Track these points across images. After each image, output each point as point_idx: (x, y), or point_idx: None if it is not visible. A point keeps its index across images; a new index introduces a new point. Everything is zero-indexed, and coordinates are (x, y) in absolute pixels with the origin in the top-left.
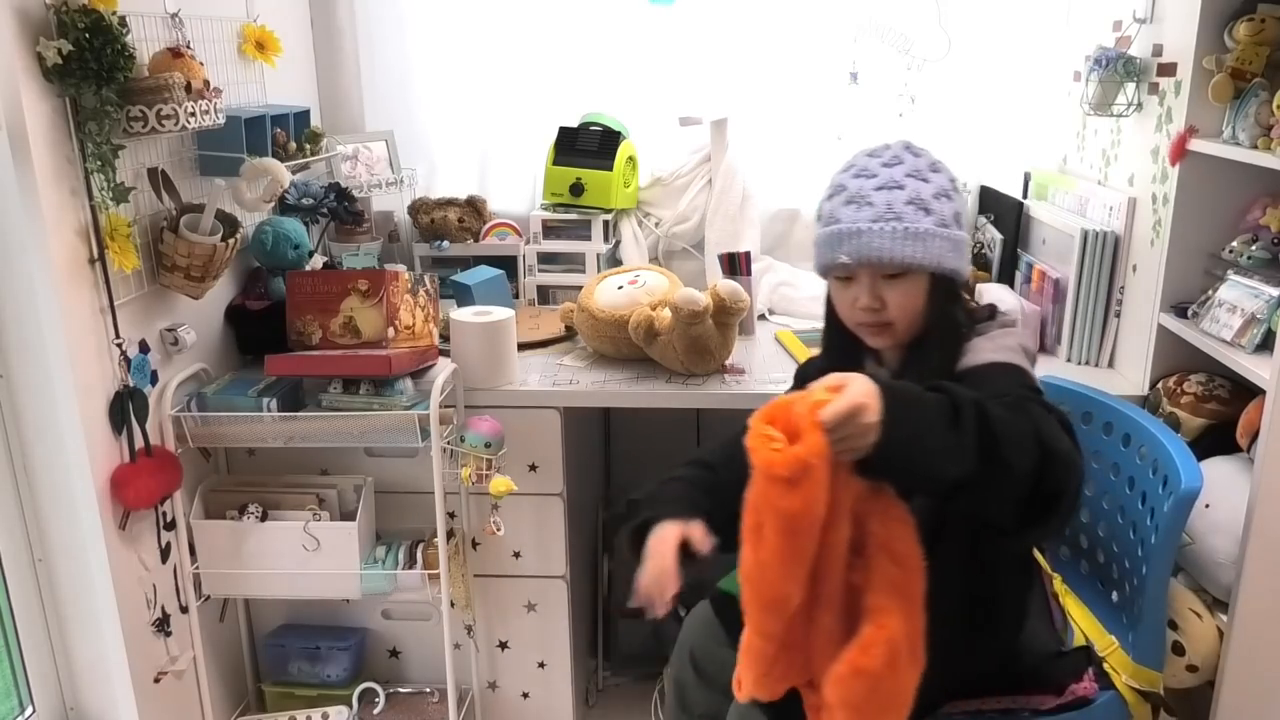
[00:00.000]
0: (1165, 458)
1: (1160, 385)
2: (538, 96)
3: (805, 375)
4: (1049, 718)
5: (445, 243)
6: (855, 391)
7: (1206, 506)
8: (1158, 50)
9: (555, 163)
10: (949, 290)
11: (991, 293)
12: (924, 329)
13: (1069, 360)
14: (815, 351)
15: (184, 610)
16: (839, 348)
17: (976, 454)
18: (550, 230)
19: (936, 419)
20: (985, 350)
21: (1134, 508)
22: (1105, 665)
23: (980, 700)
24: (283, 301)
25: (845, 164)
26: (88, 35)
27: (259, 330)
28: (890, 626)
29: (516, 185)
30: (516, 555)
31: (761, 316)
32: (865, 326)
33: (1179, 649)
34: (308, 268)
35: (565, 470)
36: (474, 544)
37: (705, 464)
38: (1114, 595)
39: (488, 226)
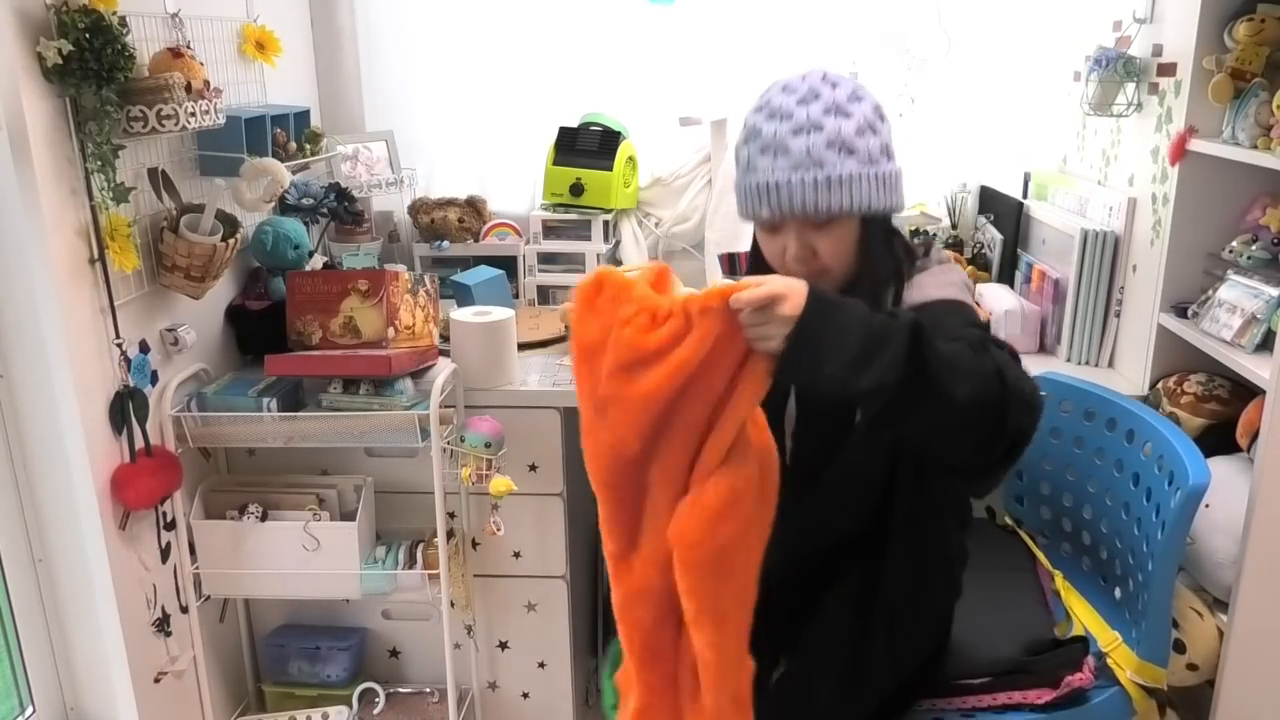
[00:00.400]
0: (1171, 454)
1: (1160, 385)
2: (537, 96)
3: None
4: (1047, 713)
5: (445, 243)
6: (779, 282)
7: (1206, 506)
8: (1158, 50)
9: (555, 163)
10: (883, 227)
11: (991, 293)
12: (859, 270)
13: (1069, 360)
14: None
15: (184, 610)
16: None
17: (900, 372)
18: (550, 230)
19: (861, 328)
20: (929, 287)
21: (1139, 504)
22: (1109, 661)
23: (976, 697)
24: (283, 301)
25: (759, 100)
26: (88, 35)
27: (259, 330)
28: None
29: (516, 185)
30: (516, 555)
31: None
32: (798, 275)
33: (1180, 647)
34: (308, 268)
35: (565, 470)
36: (474, 544)
37: None
38: (1116, 592)
39: (488, 226)
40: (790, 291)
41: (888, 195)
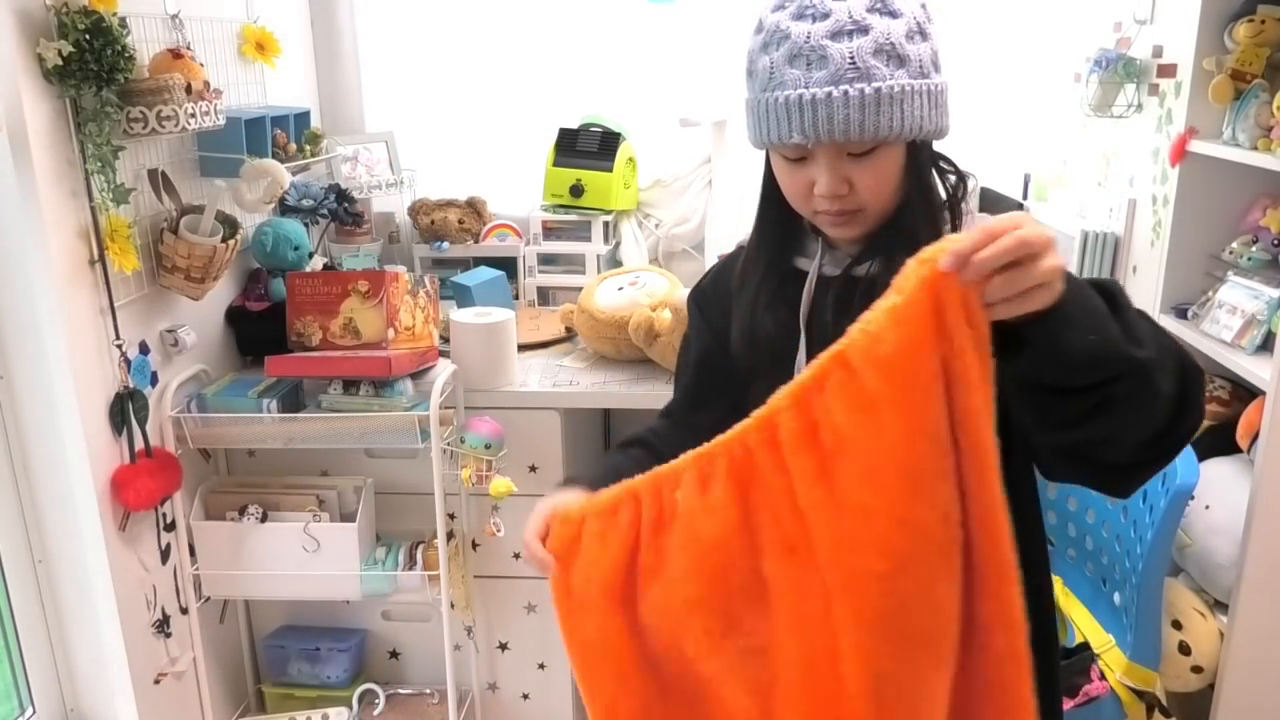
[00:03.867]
0: None
1: None
2: (538, 97)
3: (719, 284)
4: None
5: (445, 244)
6: (1016, 223)
7: (1206, 508)
8: (1158, 51)
9: (555, 164)
10: (929, 153)
11: None
12: (903, 204)
13: None
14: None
15: (184, 611)
16: (775, 238)
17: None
18: (550, 231)
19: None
20: None
21: (1135, 506)
22: (1100, 663)
23: None
24: (283, 303)
25: None
26: (88, 36)
27: (259, 331)
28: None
29: (516, 186)
30: (516, 556)
31: None
32: (826, 215)
33: (1184, 649)
34: (308, 269)
35: (565, 471)
36: (474, 545)
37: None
38: (1116, 597)
39: (488, 227)
40: (1035, 230)
41: (939, 115)
